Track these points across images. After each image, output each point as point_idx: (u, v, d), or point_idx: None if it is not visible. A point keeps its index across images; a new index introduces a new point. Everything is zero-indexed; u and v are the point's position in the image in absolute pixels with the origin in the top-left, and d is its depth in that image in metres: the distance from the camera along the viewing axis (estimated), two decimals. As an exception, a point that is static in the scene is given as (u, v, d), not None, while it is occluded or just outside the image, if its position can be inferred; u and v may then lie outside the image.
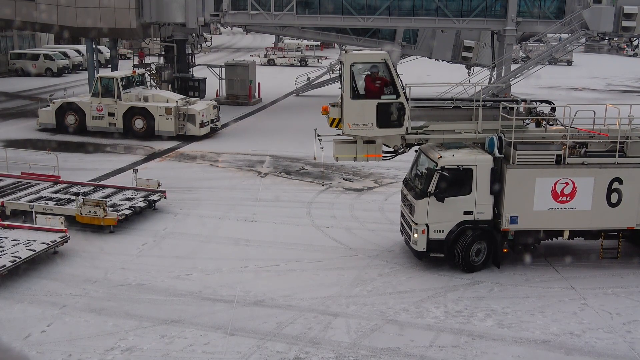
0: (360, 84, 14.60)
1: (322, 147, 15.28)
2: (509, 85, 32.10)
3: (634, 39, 39.59)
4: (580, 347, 11.49)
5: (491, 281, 14.04)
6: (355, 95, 14.46)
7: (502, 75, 33.23)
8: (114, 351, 11.07)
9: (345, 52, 15.01)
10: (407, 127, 14.65)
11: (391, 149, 15.25)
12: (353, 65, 14.36)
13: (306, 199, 19.70)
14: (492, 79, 35.22)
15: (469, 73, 38.86)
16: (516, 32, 33.47)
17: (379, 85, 14.50)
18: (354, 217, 18.21)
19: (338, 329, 11.91)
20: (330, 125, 14.88)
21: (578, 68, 64.25)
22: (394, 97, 14.45)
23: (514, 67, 33.82)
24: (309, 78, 42.87)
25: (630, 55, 78.16)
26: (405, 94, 14.54)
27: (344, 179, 22.08)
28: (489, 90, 30.38)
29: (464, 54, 38.31)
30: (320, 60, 62.11)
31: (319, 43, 68.38)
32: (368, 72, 14.66)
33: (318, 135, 14.96)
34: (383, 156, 15.28)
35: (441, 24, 34.20)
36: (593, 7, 31.61)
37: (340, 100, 14.67)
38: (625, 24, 31.78)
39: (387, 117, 14.54)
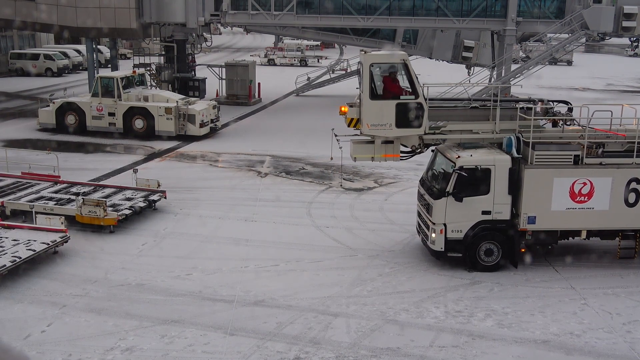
0: (379, 84, 14.60)
1: (340, 147, 15.28)
2: (509, 85, 32.10)
3: (634, 38, 39.53)
4: (580, 347, 11.49)
5: (491, 281, 14.04)
6: (374, 95, 14.47)
7: (502, 75, 33.24)
8: (114, 351, 11.07)
9: (364, 52, 14.98)
10: (425, 127, 14.67)
11: (409, 149, 15.27)
12: (372, 66, 14.37)
13: (306, 199, 19.69)
14: (492, 79, 35.23)
15: (469, 73, 38.87)
16: (516, 32, 33.48)
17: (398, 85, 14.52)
18: (354, 217, 18.21)
19: (338, 329, 11.91)
20: (348, 126, 14.93)
21: (578, 68, 64.21)
22: (413, 97, 14.48)
23: (514, 67, 33.82)
24: (309, 78, 42.87)
25: (630, 55, 78.06)
26: (423, 94, 14.57)
27: (344, 178, 22.08)
28: (488, 90, 30.38)
29: (464, 54, 38.31)
30: (320, 60, 62.07)
31: (319, 43, 68.37)
32: (387, 73, 14.66)
33: (336, 136, 14.96)
34: (401, 156, 15.31)
35: (441, 24, 34.21)
36: (593, 7, 31.62)
37: (359, 100, 14.69)
38: (625, 24, 31.80)
39: (406, 117, 14.55)
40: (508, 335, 11.84)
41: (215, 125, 29.26)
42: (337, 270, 14.57)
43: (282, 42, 73.42)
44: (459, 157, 14.01)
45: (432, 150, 15.43)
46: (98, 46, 40.45)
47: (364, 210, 18.75)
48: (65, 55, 51.04)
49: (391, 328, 11.98)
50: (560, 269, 14.72)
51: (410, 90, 14.55)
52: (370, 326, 12.01)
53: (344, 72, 44.85)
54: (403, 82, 14.69)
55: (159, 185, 18.79)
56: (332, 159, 16.84)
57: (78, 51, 52.47)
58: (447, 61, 39.64)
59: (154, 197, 18.24)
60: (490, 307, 12.87)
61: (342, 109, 14.82)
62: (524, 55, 50.06)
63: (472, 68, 38.95)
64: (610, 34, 33.65)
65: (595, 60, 74.96)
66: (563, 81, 49.94)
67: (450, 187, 13.93)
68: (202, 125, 27.80)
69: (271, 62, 62.32)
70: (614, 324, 12.31)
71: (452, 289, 13.64)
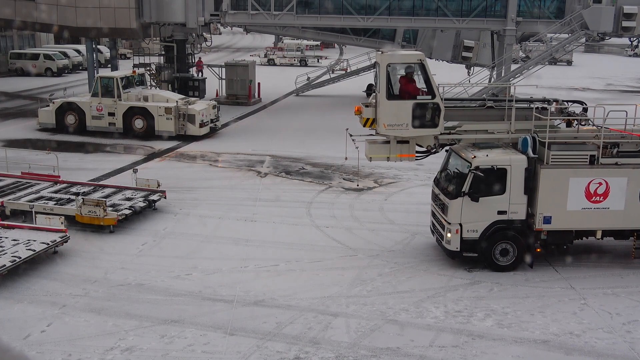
0: (396, 84, 14.63)
1: (357, 147, 15.24)
2: (509, 85, 32.10)
3: (634, 39, 39.53)
4: (580, 347, 11.49)
5: (491, 281, 14.04)
6: (390, 95, 14.49)
7: (502, 75, 33.24)
8: (114, 351, 11.07)
9: (381, 52, 14.99)
10: (441, 127, 14.68)
11: (424, 149, 15.31)
12: (389, 66, 14.39)
13: (306, 199, 19.69)
14: (492, 79, 35.24)
15: (468, 73, 38.89)
16: (516, 32, 33.49)
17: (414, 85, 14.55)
18: (354, 217, 18.20)
19: (338, 328, 11.91)
20: (364, 125, 14.96)
21: (578, 68, 64.23)
22: (430, 97, 14.50)
23: (513, 67, 33.82)
24: (308, 78, 42.87)
25: (630, 55, 78.06)
26: (440, 94, 14.59)
27: (344, 178, 22.08)
28: (488, 90, 30.41)
29: (464, 54, 38.34)
30: (320, 60, 62.08)
31: (319, 43, 68.38)
32: (403, 73, 14.69)
33: (351, 135, 14.94)
34: (416, 156, 15.34)
35: (441, 24, 34.22)
36: (593, 7, 31.64)
37: (374, 101, 14.69)
38: (625, 24, 31.81)
39: (422, 117, 14.58)
40: (508, 335, 11.84)
41: (215, 125, 29.27)
42: (337, 270, 14.57)
43: (282, 42, 73.42)
44: (475, 157, 14.02)
45: (446, 151, 15.45)
46: (98, 46, 40.46)
47: (364, 210, 18.75)
48: (65, 55, 51.03)
49: (391, 328, 11.98)
50: (560, 269, 14.72)
51: (426, 90, 14.58)
52: (370, 326, 12.01)
53: (343, 72, 44.88)
54: (419, 82, 14.70)
55: (158, 185, 18.79)
56: (346, 159, 16.80)
57: (78, 51, 52.47)
58: (447, 61, 39.66)
59: (154, 197, 18.24)
60: (490, 307, 12.87)
61: (358, 109, 14.84)
62: (523, 55, 50.04)
63: (472, 68, 38.98)
64: (610, 34, 33.67)
65: (595, 60, 75.00)
66: (563, 81, 49.94)
67: (466, 187, 13.94)
68: (202, 125, 27.80)
69: (271, 62, 62.33)
70: (613, 324, 12.31)
71: (452, 289, 13.65)
